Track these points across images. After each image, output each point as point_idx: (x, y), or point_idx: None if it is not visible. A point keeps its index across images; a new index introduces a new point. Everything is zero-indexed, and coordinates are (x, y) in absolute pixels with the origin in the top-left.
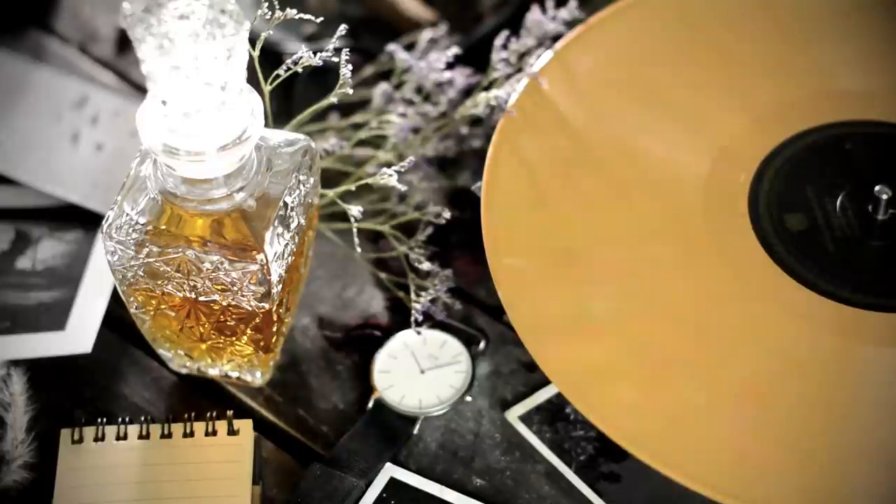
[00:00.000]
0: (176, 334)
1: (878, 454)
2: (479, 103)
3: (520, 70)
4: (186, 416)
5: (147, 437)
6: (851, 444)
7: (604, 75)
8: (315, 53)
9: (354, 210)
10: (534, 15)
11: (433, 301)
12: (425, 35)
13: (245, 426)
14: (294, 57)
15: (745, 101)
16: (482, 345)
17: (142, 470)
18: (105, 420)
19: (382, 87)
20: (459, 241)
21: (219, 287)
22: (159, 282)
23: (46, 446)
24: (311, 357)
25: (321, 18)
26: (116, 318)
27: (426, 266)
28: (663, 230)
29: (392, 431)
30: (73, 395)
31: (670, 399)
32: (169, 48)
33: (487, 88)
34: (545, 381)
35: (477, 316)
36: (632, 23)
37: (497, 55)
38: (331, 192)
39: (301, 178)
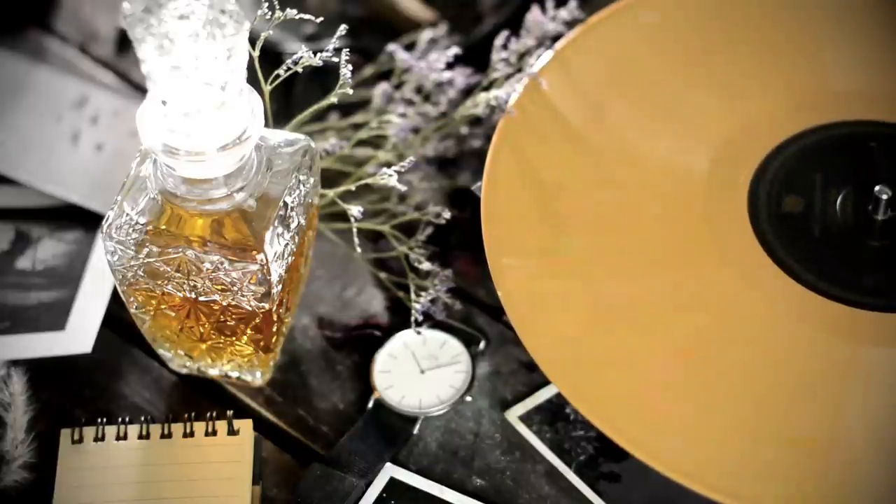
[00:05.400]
0: (176, 334)
1: (879, 453)
2: (480, 103)
3: (520, 70)
4: (186, 416)
5: (147, 437)
6: (851, 444)
7: (604, 75)
8: (315, 53)
9: (354, 210)
10: (534, 15)
11: (433, 301)
12: (425, 35)
13: (245, 426)
14: (294, 57)
15: (745, 100)
16: (482, 345)
17: (142, 470)
18: (105, 420)
19: (382, 87)
20: (459, 241)
21: (219, 287)
22: (159, 282)
23: (46, 446)
24: (311, 357)
25: (321, 18)
26: (116, 318)
27: (426, 266)
28: (663, 230)
29: (392, 431)
30: (73, 395)
31: (669, 399)
32: (169, 48)
33: (487, 88)
34: (545, 381)
35: (477, 316)
36: (631, 23)
37: (497, 55)
38: (331, 192)
39: (301, 178)
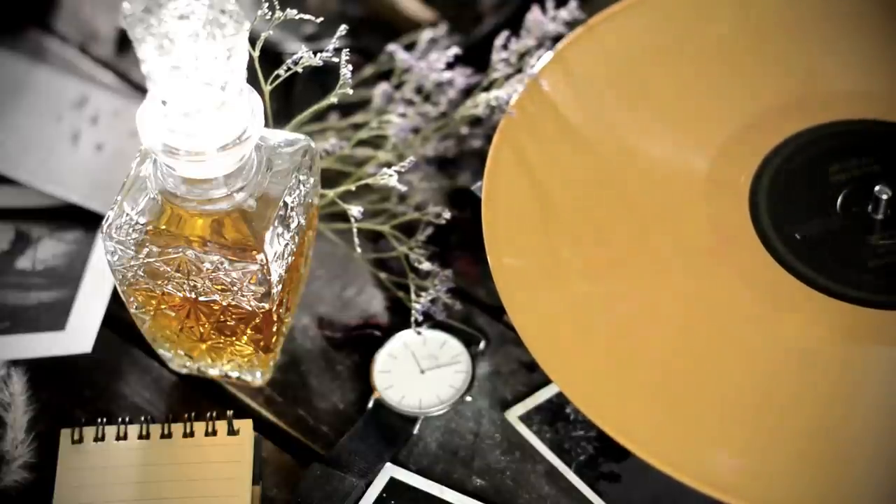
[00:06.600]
0: (176, 334)
1: (879, 452)
2: (480, 104)
3: (520, 70)
4: (186, 416)
5: (147, 437)
6: (851, 442)
7: (604, 76)
8: (315, 53)
9: (354, 210)
10: (534, 15)
11: (433, 301)
12: (425, 35)
13: (245, 426)
14: (294, 57)
15: (744, 100)
16: (482, 345)
17: (142, 470)
18: (105, 420)
19: (382, 87)
20: (459, 241)
21: (219, 287)
22: (159, 282)
23: (46, 446)
24: (311, 357)
25: (321, 18)
26: (116, 318)
27: (426, 266)
28: (663, 230)
29: (392, 431)
30: (73, 395)
31: (670, 398)
32: (169, 48)
33: (487, 89)
34: (545, 381)
35: (477, 316)
36: (632, 23)
37: (497, 55)
38: (331, 192)
39: (301, 178)
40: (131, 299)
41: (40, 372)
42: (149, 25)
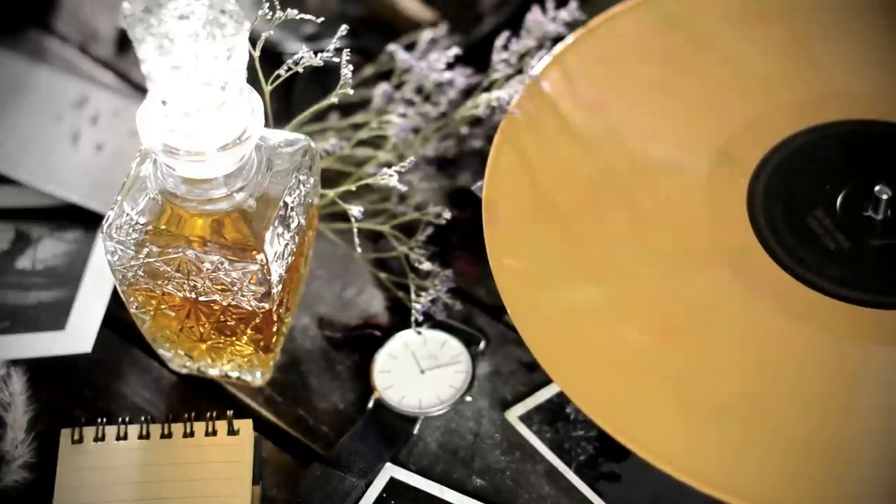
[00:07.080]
0: (176, 334)
1: (879, 452)
2: (480, 104)
3: (520, 71)
4: (186, 416)
5: (147, 437)
6: (851, 442)
7: (604, 76)
8: (316, 53)
9: (355, 210)
10: (534, 15)
11: (433, 301)
12: (425, 35)
13: (245, 426)
14: (294, 57)
15: (744, 101)
16: (482, 345)
17: (142, 470)
18: (105, 420)
19: (383, 88)
20: (459, 242)
21: (219, 287)
22: (159, 282)
23: (46, 446)
24: (311, 357)
25: (321, 18)
26: (116, 318)
27: (426, 266)
28: (663, 229)
29: (392, 431)
30: (73, 395)
31: (669, 397)
32: (169, 48)
33: (488, 89)
34: (545, 381)
35: (477, 316)
36: (632, 24)
37: (497, 56)
38: (331, 192)
39: (301, 178)
40: (131, 299)
41: (40, 372)
42: (149, 25)
